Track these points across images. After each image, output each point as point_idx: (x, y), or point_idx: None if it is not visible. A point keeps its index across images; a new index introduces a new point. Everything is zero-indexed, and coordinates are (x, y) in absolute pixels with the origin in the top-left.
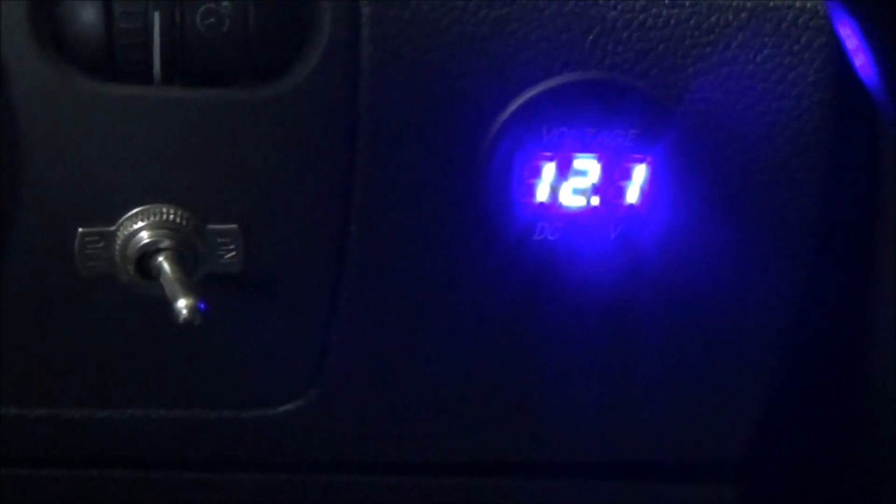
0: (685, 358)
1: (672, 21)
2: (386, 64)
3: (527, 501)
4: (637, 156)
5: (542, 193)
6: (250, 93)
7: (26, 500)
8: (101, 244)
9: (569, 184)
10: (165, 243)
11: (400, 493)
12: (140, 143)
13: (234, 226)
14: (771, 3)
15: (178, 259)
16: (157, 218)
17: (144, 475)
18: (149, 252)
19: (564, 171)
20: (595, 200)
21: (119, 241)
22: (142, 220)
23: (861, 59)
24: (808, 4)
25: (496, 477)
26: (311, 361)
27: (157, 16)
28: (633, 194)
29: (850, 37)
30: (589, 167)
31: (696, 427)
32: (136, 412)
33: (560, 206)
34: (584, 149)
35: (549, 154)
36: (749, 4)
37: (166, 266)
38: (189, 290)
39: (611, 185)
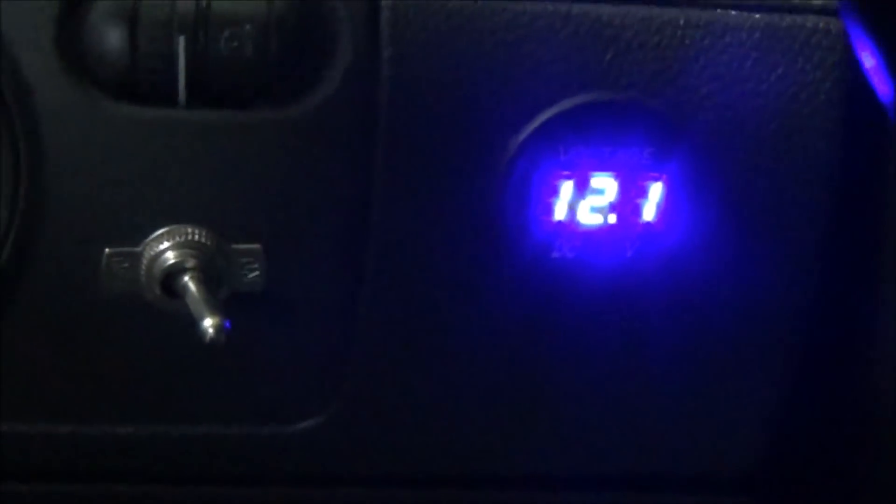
0: (700, 372)
1: (686, 41)
2: (405, 85)
3: None
4: (653, 174)
5: (559, 212)
6: (272, 114)
7: None
8: (127, 264)
9: (586, 202)
10: (190, 263)
11: None
12: (165, 165)
13: (257, 245)
14: (784, 23)
15: (203, 278)
16: (182, 238)
17: (166, 491)
18: (174, 272)
19: (582, 189)
20: (612, 218)
21: (145, 261)
22: (167, 241)
23: (879, 78)
24: (821, 23)
25: (514, 490)
26: (331, 378)
27: (181, 40)
28: (649, 212)
29: (868, 56)
30: (606, 185)
31: (710, 440)
32: (158, 428)
33: (578, 224)
34: (601, 167)
35: (566, 173)
36: (762, 23)
37: (192, 285)
38: (215, 309)
39: (628, 203)
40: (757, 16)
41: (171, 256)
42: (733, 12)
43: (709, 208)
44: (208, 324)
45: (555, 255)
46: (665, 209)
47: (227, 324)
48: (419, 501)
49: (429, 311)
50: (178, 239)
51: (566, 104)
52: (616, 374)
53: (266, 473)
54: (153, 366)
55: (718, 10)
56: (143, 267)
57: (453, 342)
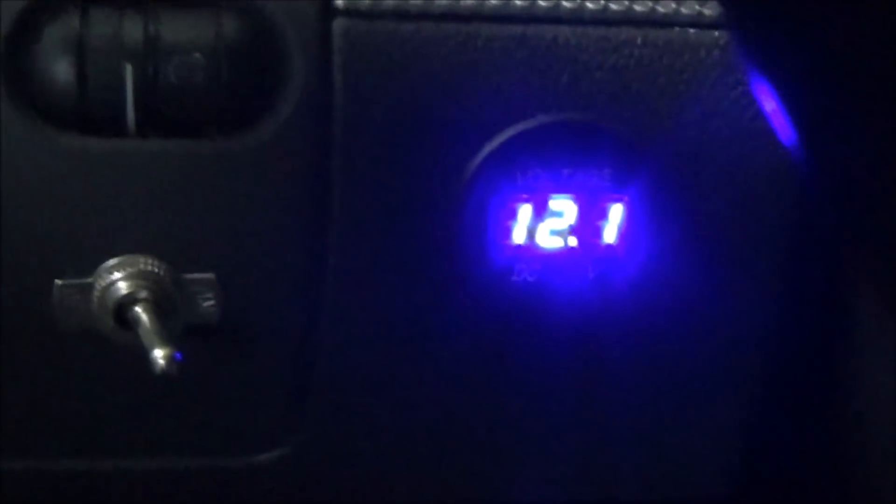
0: (666, 396)
1: (645, 61)
2: (358, 111)
3: None
4: (613, 196)
5: (518, 235)
6: (224, 144)
7: None
8: (79, 296)
9: (545, 225)
10: (143, 294)
11: None
12: (116, 195)
13: (211, 275)
14: None
15: (156, 309)
16: (135, 268)
17: None
18: (126, 303)
19: (541, 212)
20: (572, 241)
21: (97, 293)
22: (119, 272)
23: (779, 122)
24: None
25: None
26: (292, 408)
27: (129, 69)
28: (610, 234)
29: (767, 100)
30: (565, 208)
31: (677, 465)
32: (118, 462)
33: (537, 247)
34: (560, 190)
35: (524, 196)
36: (722, 42)
37: (144, 316)
38: (165, 341)
39: (588, 225)
40: (716, 34)
41: (123, 287)
42: (692, 31)
43: (670, 230)
44: (159, 355)
45: (515, 278)
46: (626, 231)
47: (179, 355)
48: None
49: (389, 338)
50: (130, 269)
51: (523, 126)
52: (579, 399)
53: None
54: (111, 399)
55: (677, 29)
56: (96, 298)
57: (414, 369)
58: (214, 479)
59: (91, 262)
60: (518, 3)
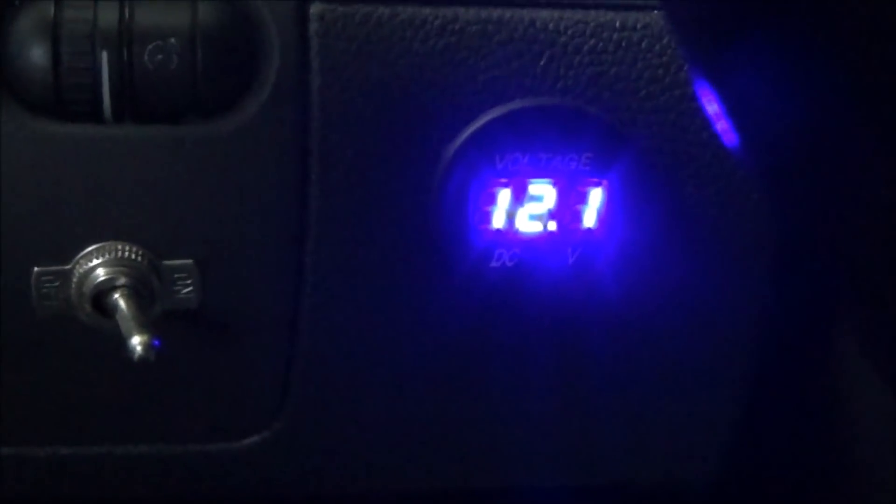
0: (650, 380)
1: (623, 44)
2: (336, 95)
3: None
4: (592, 180)
5: (498, 220)
6: (201, 129)
7: None
8: (57, 283)
9: (525, 209)
10: (121, 280)
11: None
12: (93, 182)
13: (189, 261)
14: None
15: (134, 296)
16: (113, 255)
17: None
18: (105, 289)
19: (520, 196)
20: (552, 225)
21: (75, 280)
22: (97, 258)
23: (721, 124)
24: None
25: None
26: (274, 393)
27: (104, 54)
28: (589, 218)
29: (710, 102)
30: (545, 192)
31: (666, 448)
32: (100, 449)
33: (517, 232)
34: (539, 174)
35: (503, 180)
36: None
37: (122, 303)
38: (143, 327)
39: (567, 209)
40: None
41: (101, 274)
42: None
43: (650, 214)
44: (136, 341)
45: (494, 263)
46: (606, 215)
47: (157, 342)
48: None
49: (370, 323)
50: (108, 256)
51: (501, 110)
52: (561, 383)
53: (212, 491)
54: (93, 386)
55: (655, 12)
56: (74, 285)
57: (395, 354)
58: (196, 464)
59: (69, 249)
60: None
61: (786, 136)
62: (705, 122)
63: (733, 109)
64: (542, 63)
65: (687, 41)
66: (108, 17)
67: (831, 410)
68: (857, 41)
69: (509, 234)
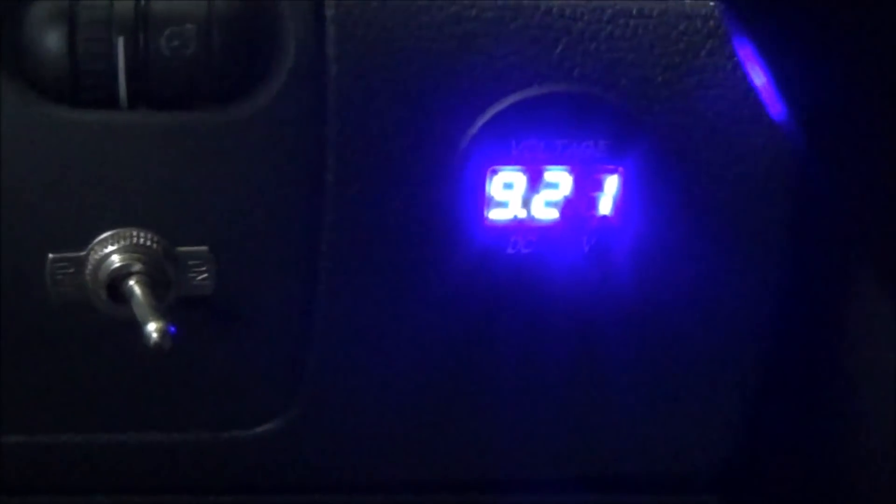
0: (662, 370)
1: (640, 31)
2: (352, 82)
3: None
4: (608, 167)
5: (513, 207)
6: (217, 115)
7: None
8: (72, 269)
9: (540, 196)
10: (136, 267)
11: None
12: (108, 168)
13: (204, 248)
14: None
15: (149, 282)
16: (128, 242)
17: (122, 500)
18: (119, 276)
19: (536, 183)
20: (568, 213)
21: (90, 266)
22: (112, 245)
23: (769, 97)
24: None
25: (476, 492)
26: (288, 381)
27: (120, 41)
28: (605, 206)
29: (758, 74)
30: (560, 179)
31: (675, 439)
32: (113, 437)
33: (532, 219)
34: (555, 161)
35: (519, 167)
36: (718, 11)
37: (137, 290)
38: (158, 314)
39: (583, 197)
40: (711, 3)
41: (116, 260)
42: (688, 0)
43: (667, 201)
44: (152, 328)
45: (509, 250)
46: (621, 203)
47: (172, 328)
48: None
49: (384, 310)
50: (123, 243)
51: (517, 97)
52: (576, 372)
53: (225, 479)
54: (106, 373)
55: (672, 0)
56: (89, 272)
57: (409, 342)
58: (209, 452)
59: (84, 236)
60: None
61: (833, 109)
62: (721, 110)
63: (783, 82)
64: (558, 50)
65: (736, 15)
66: (125, 2)
67: (841, 404)
68: None
69: (525, 222)
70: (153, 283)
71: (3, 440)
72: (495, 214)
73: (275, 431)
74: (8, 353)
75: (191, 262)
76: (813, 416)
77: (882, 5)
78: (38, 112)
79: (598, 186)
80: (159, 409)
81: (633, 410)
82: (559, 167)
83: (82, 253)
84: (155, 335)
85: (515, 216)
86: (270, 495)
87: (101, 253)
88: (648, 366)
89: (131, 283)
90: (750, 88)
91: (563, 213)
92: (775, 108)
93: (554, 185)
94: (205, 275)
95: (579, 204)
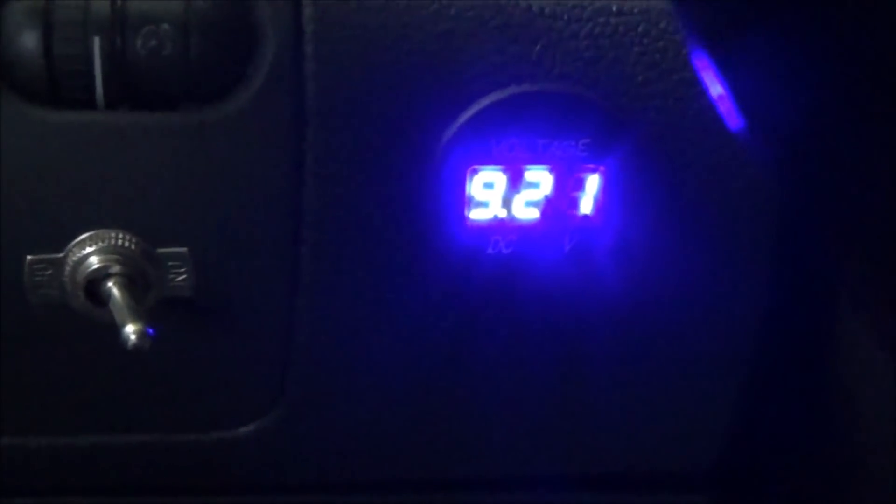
0: (646, 370)
1: (620, 29)
2: (331, 82)
3: None
4: (589, 166)
5: (494, 207)
6: (195, 116)
7: None
8: (50, 271)
9: (521, 196)
10: (115, 268)
11: None
12: (86, 169)
13: (184, 249)
14: None
15: (128, 284)
16: (106, 243)
17: (106, 502)
18: (98, 278)
19: (516, 183)
20: (548, 212)
21: (68, 268)
22: (90, 246)
23: (726, 108)
24: None
25: (462, 493)
26: (271, 381)
27: (97, 41)
28: (586, 205)
29: (714, 86)
30: (541, 179)
31: (662, 437)
32: (97, 439)
33: (513, 218)
34: (536, 160)
35: (500, 167)
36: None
37: (115, 291)
38: (137, 316)
39: (564, 196)
40: None
41: (94, 262)
42: None
43: (648, 201)
44: (130, 330)
45: (490, 251)
46: (603, 202)
47: (151, 330)
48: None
49: (366, 309)
50: (101, 244)
51: (497, 96)
52: (559, 373)
53: (210, 480)
54: (88, 375)
55: None
56: (67, 273)
57: (392, 342)
58: (193, 453)
59: (62, 237)
60: None
61: (794, 121)
62: (703, 108)
63: (740, 94)
64: (538, 48)
65: (694, 27)
66: (101, 2)
67: (834, 401)
68: (862, 30)
69: (505, 221)
70: (132, 285)
71: None
72: (476, 214)
73: (260, 431)
74: None
75: (170, 264)
76: (807, 415)
77: (845, 9)
78: (16, 113)
79: (580, 186)
80: (143, 410)
81: (622, 409)
82: (540, 166)
83: (61, 255)
84: (133, 337)
85: (496, 216)
86: (257, 495)
87: (79, 254)
88: (634, 365)
89: (110, 284)
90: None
91: (543, 213)
92: (732, 119)
93: (535, 185)
94: (184, 276)
95: (560, 203)
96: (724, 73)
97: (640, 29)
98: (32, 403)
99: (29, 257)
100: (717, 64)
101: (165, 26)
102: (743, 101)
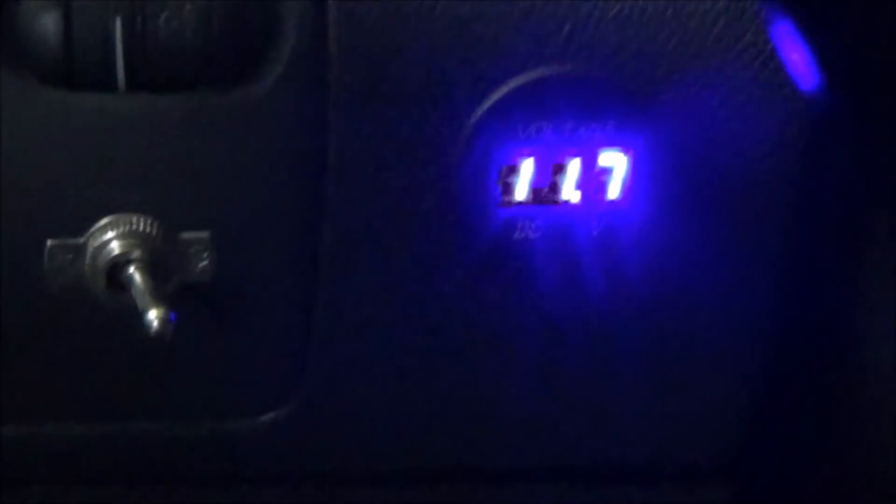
0: (671, 357)
1: (648, 11)
2: (355, 65)
3: None
4: (617, 150)
5: (521, 192)
6: (217, 98)
7: None
8: (71, 256)
9: (548, 181)
10: (136, 254)
11: (382, 501)
12: (107, 153)
13: (205, 234)
14: None
15: (149, 269)
16: (127, 228)
17: (125, 492)
18: (119, 263)
19: (544, 168)
20: (576, 197)
21: (89, 253)
22: (111, 231)
23: (800, 68)
24: None
25: (484, 483)
26: (292, 369)
27: (118, 22)
28: (614, 189)
29: (789, 46)
30: (568, 163)
31: (685, 427)
32: (114, 427)
33: (540, 204)
34: (563, 145)
35: (526, 151)
36: None
37: (137, 277)
38: (159, 302)
39: (591, 180)
40: None
41: (115, 247)
42: None
43: (677, 185)
44: (153, 316)
45: (517, 236)
46: (631, 186)
47: (173, 316)
48: (387, 495)
49: (389, 298)
50: (122, 229)
51: (524, 79)
52: (584, 360)
53: (229, 469)
54: (107, 362)
55: None
56: (88, 259)
57: (415, 329)
58: (213, 441)
59: (83, 222)
60: None
61: (873, 78)
62: (734, 90)
63: (820, 52)
64: (564, 31)
65: None
66: None
67: (851, 394)
68: None
69: (532, 207)
70: (153, 270)
71: (1, 432)
72: (502, 200)
73: (279, 420)
74: (5, 344)
75: (192, 249)
76: (823, 407)
77: None
78: (35, 96)
79: (607, 170)
80: (159, 398)
81: (642, 399)
82: (567, 151)
83: (81, 240)
84: (156, 323)
85: (522, 201)
86: (275, 485)
87: (100, 240)
88: (657, 354)
89: (131, 270)
90: (763, 67)
91: (571, 198)
92: (805, 79)
93: (562, 169)
94: (206, 261)
95: (588, 188)
96: (806, 30)
97: (668, 11)
98: (49, 391)
99: (49, 242)
100: (799, 22)
101: (188, 7)
102: (823, 59)
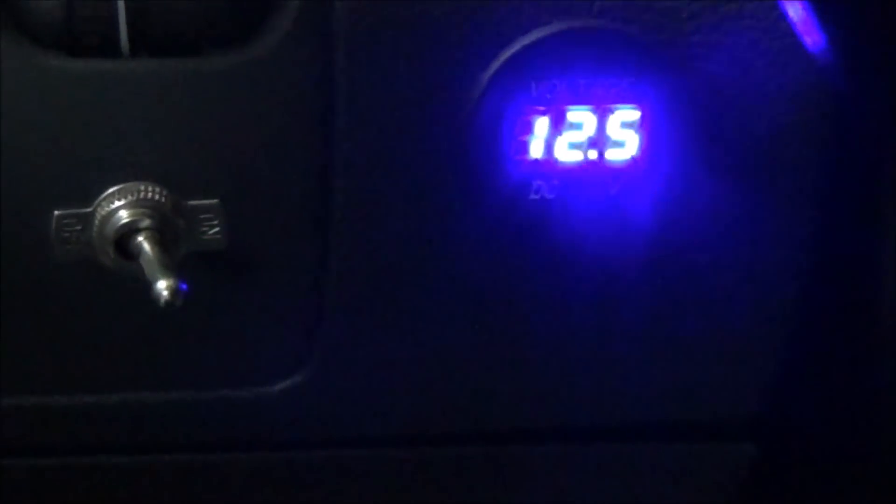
0: (694, 316)
1: None
2: (361, 24)
3: (533, 468)
4: (634, 105)
5: (535, 150)
6: (222, 61)
7: (16, 489)
8: (79, 226)
9: (563, 138)
10: (145, 222)
11: (398, 465)
12: (112, 120)
13: (215, 201)
14: None
15: (159, 238)
16: (135, 196)
17: (139, 460)
18: (128, 232)
19: (558, 125)
20: (592, 154)
21: (97, 222)
22: (119, 200)
23: (806, 29)
24: None
25: (503, 444)
26: (303, 337)
27: None
28: (632, 146)
29: (795, 8)
30: (584, 120)
31: (712, 384)
32: (127, 397)
33: (555, 162)
34: (578, 100)
35: (541, 108)
36: None
37: (146, 246)
38: (169, 271)
39: (608, 137)
40: None
41: (124, 216)
42: None
43: (694, 141)
44: (162, 286)
45: (533, 196)
46: (648, 143)
47: (183, 285)
48: (403, 459)
49: (401, 261)
50: (130, 197)
51: (537, 35)
52: (603, 320)
53: (243, 437)
54: (119, 332)
55: None
56: (96, 228)
57: (428, 292)
58: (226, 410)
59: (90, 191)
60: None
61: (875, 37)
62: (750, 45)
63: (825, 14)
64: None
65: None
66: None
67: (879, 352)
68: None
69: (548, 165)
70: (162, 239)
71: (18, 402)
72: (517, 158)
73: (293, 387)
74: (17, 314)
75: (201, 216)
76: (852, 361)
77: None
78: (37, 63)
79: (623, 126)
80: (173, 367)
81: (666, 356)
82: (582, 107)
83: (89, 209)
84: (165, 293)
85: (538, 159)
86: (289, 451)
87: (108, 208)
88: (679, 312)
89: (140, 239)
90: (779, 23)
91: (587, 155)
92: (811, 39)
93: (578, 126)
94: (216, 228)
95: (605, 145)
96: None
97: None
98: (61, 361)
99: (56, 212)
100: None
101: None
102: (828, 21)
